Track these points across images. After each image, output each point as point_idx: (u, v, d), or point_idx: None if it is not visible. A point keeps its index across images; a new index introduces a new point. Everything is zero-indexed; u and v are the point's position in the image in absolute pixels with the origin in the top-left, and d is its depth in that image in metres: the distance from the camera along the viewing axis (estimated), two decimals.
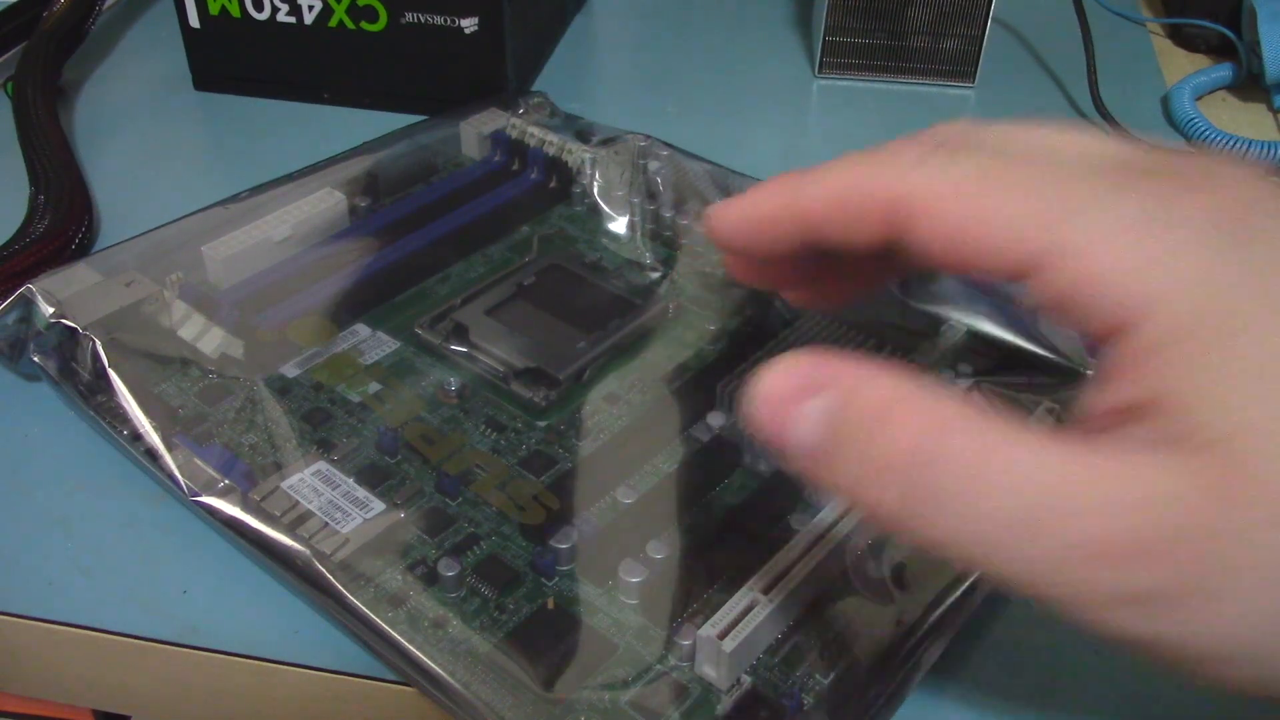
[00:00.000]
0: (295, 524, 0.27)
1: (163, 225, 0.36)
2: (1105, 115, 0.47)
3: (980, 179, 0.19)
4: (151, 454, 0.28)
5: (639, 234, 0.38)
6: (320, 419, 0.30)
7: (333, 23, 0.45)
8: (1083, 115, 0.49)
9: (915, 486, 0.17)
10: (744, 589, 0.24)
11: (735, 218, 0.23)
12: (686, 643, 0.24)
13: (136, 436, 0.29)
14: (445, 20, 0.44)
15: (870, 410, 0.18)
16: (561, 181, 0.40)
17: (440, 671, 0.24)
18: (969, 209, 0.19)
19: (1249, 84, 0.51)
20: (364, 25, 0.45)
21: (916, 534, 0.18)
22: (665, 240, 0.38)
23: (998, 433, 0.17)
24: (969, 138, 0.20)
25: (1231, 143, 0.46)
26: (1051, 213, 0.18)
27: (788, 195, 0.22)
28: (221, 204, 0.37)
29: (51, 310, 0.31)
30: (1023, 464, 0.17)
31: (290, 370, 0.31)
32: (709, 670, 0.24)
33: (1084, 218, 0.18)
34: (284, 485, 0.28)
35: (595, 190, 0.39)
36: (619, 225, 0.38)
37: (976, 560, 0.17)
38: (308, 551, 0.26)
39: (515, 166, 0.41)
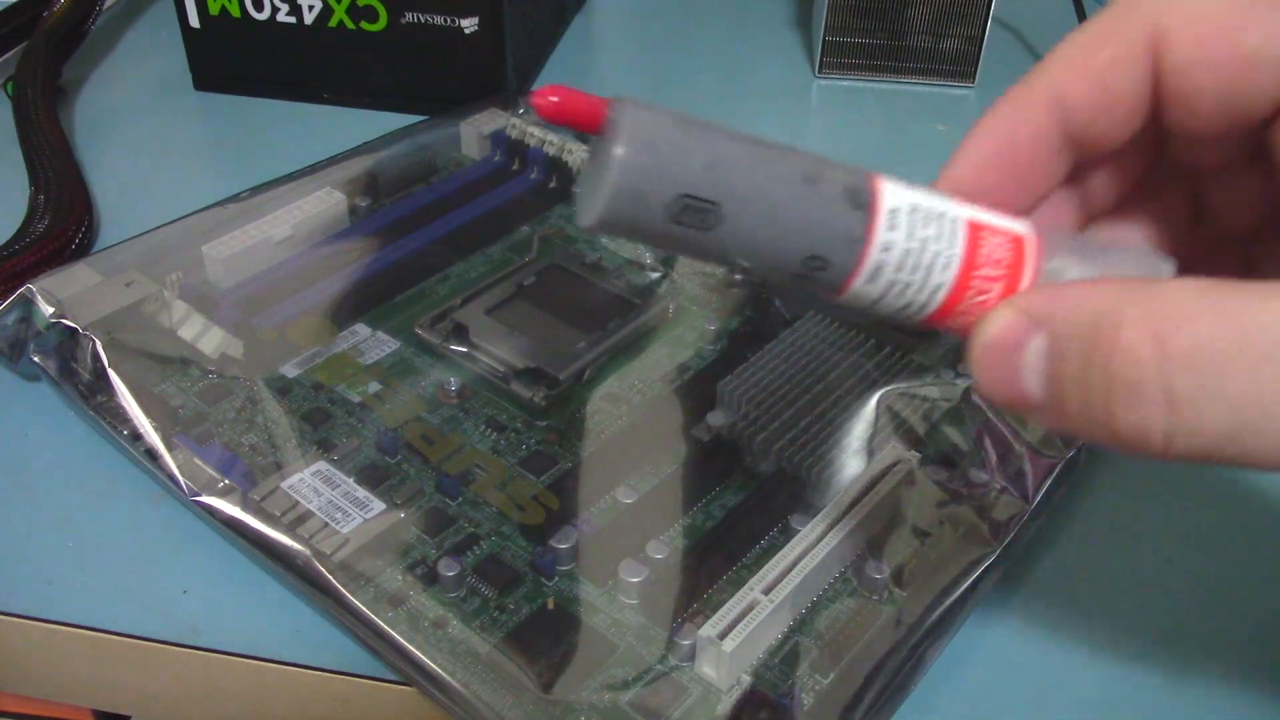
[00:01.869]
0: (295, 524, 0.27)
1: (163, 225, 0.36)
2: None
3: (1231, 3, 0.18)
4: (151, 454, 0.28)
5: None
6: (320, 419, 0.30)
7: (333, 23, 0.45)
8: None
9: (1176, 392, 0.16)
10: (744, 589, 0.24)
11: (964, 174, 0.20)
12: (686, 643, 0.24)
13: (136, 436, 0.29)
14: (445, 20, 0.44)
15: (1089, 331, 0.17)
16: (561, 181, 0.40)
17: (440, 671, 0.24)
18: (1233, 23, 0.18)
19: None
20: (364, 25, 0.45)
21: (1198, 445, 0.16)
22: None
23: (1237, 296, 0.16)
24: None
25: None
26: None
27: (1018, 102, 0.20)
28: (221, 204, 0.37)
29: (51, 310, 0.31)
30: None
31: (290, 370, 0.31)
32: (709, 670, 0.24)
33: None
34: (284, 485, 0.28)
35: None
36: None
37: None
38: (308, 551, 0.26)
39: (515, 166, 0.41)
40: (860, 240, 0.18)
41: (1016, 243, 0.19)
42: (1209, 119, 0.19)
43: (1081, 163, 0.21)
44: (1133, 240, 0.23)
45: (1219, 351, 0.15)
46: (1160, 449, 0.16)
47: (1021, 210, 0.21)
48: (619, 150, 0.16)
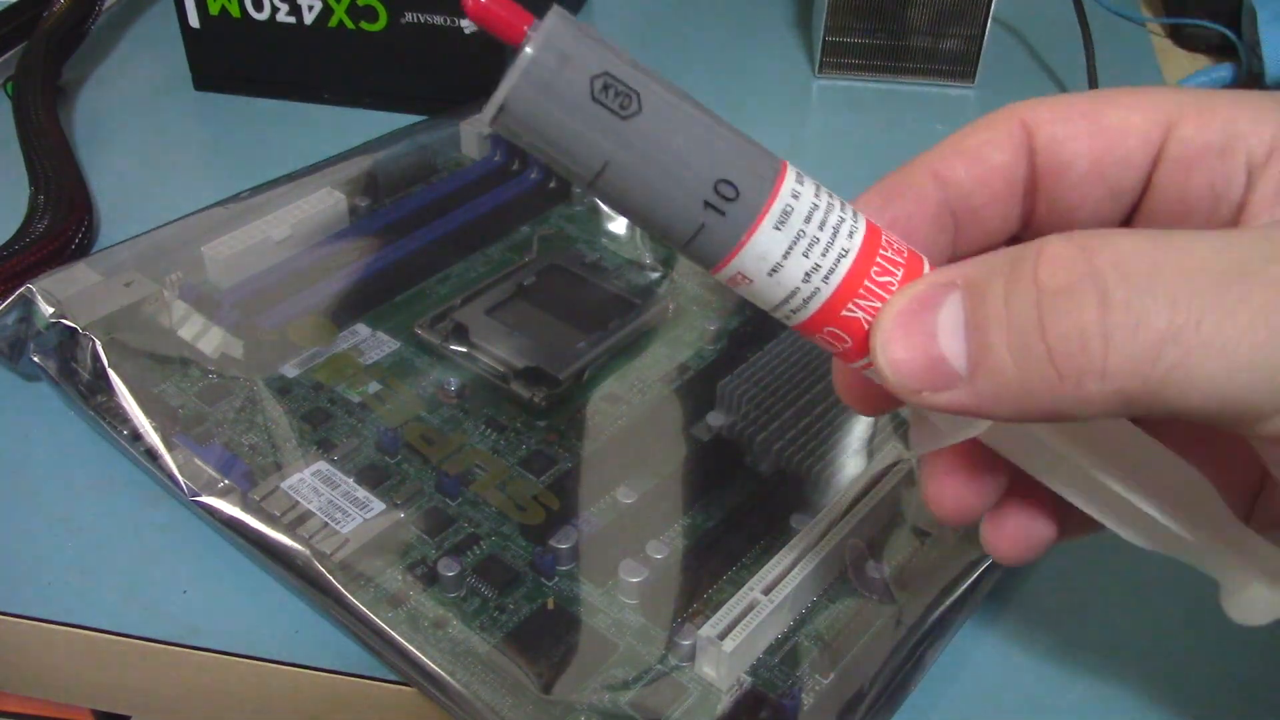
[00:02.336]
0: (295, 524, 0.27)
1: (163, 225, 0.36)
2: None
3: (1089, 95, 0.20)
4: (151, 454, 0.28)
5: (639, 234, 0.38)
6: (320, 419, 0.30)
7: (333, 23, 0.45)
8: None
9: (1110, 293, 0.15)
10: (744, 589, 0.24)
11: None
12: (686, 643, 0.24)
13: (136, 436, 0.29)
14: (445, 20, 0.44)
15: (1008, 267, 0.16)
16: (561, 181, 0.40)
17: (440, 672, 0.24)
18: (1095, 106, 0.20)
19: (1249, 84, 0.51)
20: (364, 25, 0.45)
21: (1140, 350, 0.15)
22: None
23: (1158, 230, 0.16)
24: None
25: None
26: (1161, 95, 0.20)
27: (905, 173, 0.21)
28: (221, 204, 0.37)
29: (51, 310, 0.31)
30: (1210, 235, 0.16)
31: (290, 370, 0.31)
32: (709, 670, 0.24)
33: (1193, 95, 0.19)
34: (284, 485, 0.28)
35: None
36: (619, 225, 0.38)
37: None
38: (308, 551, 0.26)
39: (515, 166, 0.41)
40: (771, 178, 0.17)
41: (914, 260, 0.18)
42: (1083, 189, 0.20)
43: (965, 244, 0.22)
44: None
45: (1149, 261, 0.15)
46: (1099, 363, 0.15)
47: None
48: (534, 39, 0.16)
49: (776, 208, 0.17)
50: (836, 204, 0.18)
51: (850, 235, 0.18)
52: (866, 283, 0.18)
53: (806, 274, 0.17)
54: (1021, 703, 0.25)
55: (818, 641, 0.25)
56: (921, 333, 0.17)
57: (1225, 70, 0.51)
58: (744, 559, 0.27)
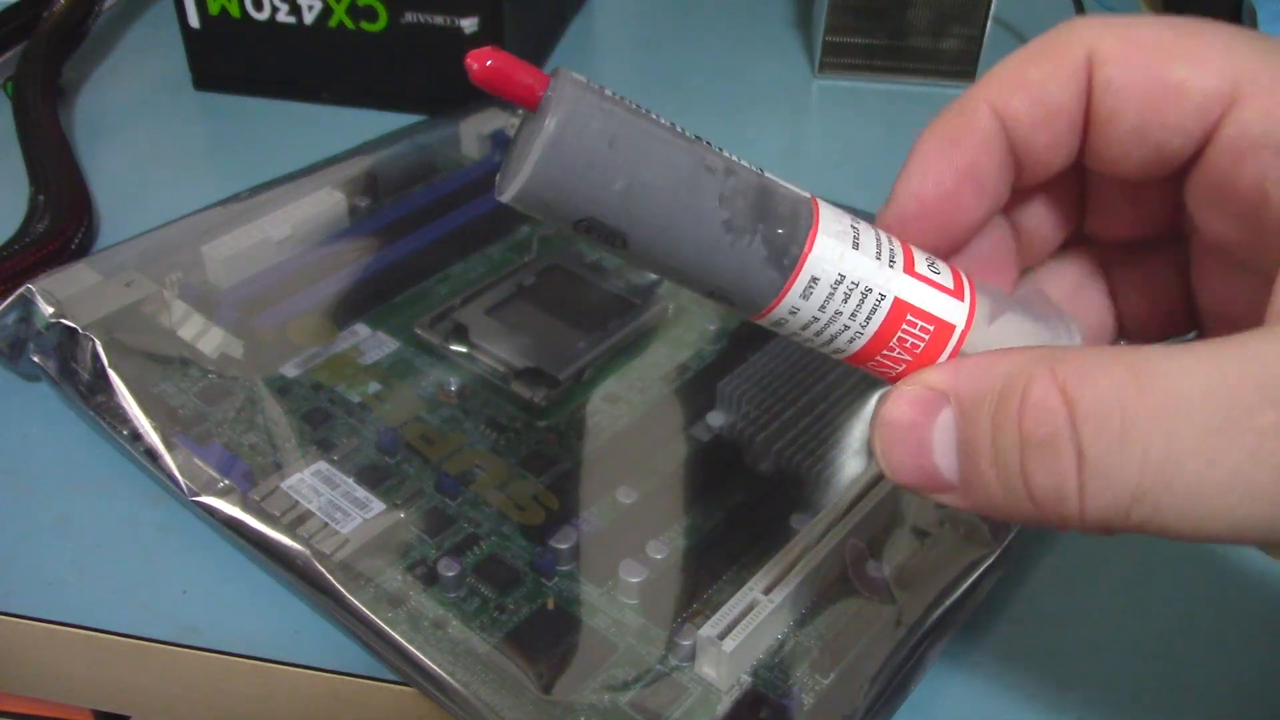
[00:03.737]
0: (295, 524, 0.27)
1: (163, 225, 0.36)
2: None
3: (1168, 22, 0.18)
4: (151, 454, 0.28)
5: None
6: (320, 419, 0.30)
7: (333, 23, 0.45)
8: None
9: (1085, 449, 0.15)
10: (744, 589, 0.24)
11: (921, 183, 0.20)
12: (686, 643, 0.24)
13: (136, 436, 0.29)
14: (445, 20, 0.44)
15: (997, 396, 0.16)
16: None
17: (440, 672, 0.24)
18: (1164, 34, 0.18)
19: None
20: (364, 25, 0.45)
21: (1111, 503, 0.16)
22: None
23: (1142, 355, 0.16)
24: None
25: None
26: (1236, 53, 0.18)
27: (963, 110, 0.20)
28: (221, 204, 0.37)
29: (51, 310, 0.31)
30: (1199, 367, 0.15)
31: (290, 370, 0.31)
32: (709, 670, 0.24)
33: (1270, 63, 0.17)
34: (284, 485, 0.28)
35: None
36: None
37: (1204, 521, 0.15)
38: (308, 551, 0.26)
39: None
40: (768, 298, 0.17)
41: (942, 329, 0.18)
42: (1127, 147, 0.19)
43: (1021, 193, 0.21)
44: (1064, 288, 0.23)
45: (1126, 408, 0.15)
46: (1076, 510, 0.16)
47: (962, 237, 0.21)
48: (553, 109, 0.16)
49: (770, 319, 0.18)
50: (848, 309, 0.18)
51: (851, 341, 0.18)
52: (868, 365, 0.18)
53: (806, 343, 0.18)
54: (1021, 703, 0.25)
55: (818, 641, 0.25)
56: (917, 448, 0.17)
57: None
58: (744, 559, 0.27)
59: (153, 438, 0.28)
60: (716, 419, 0.30)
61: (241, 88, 0.48)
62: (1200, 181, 0.19)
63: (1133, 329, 0.23)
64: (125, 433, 0.29)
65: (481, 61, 0.16)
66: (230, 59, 0.47)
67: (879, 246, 0.18)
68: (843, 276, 0.17)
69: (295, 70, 0.47)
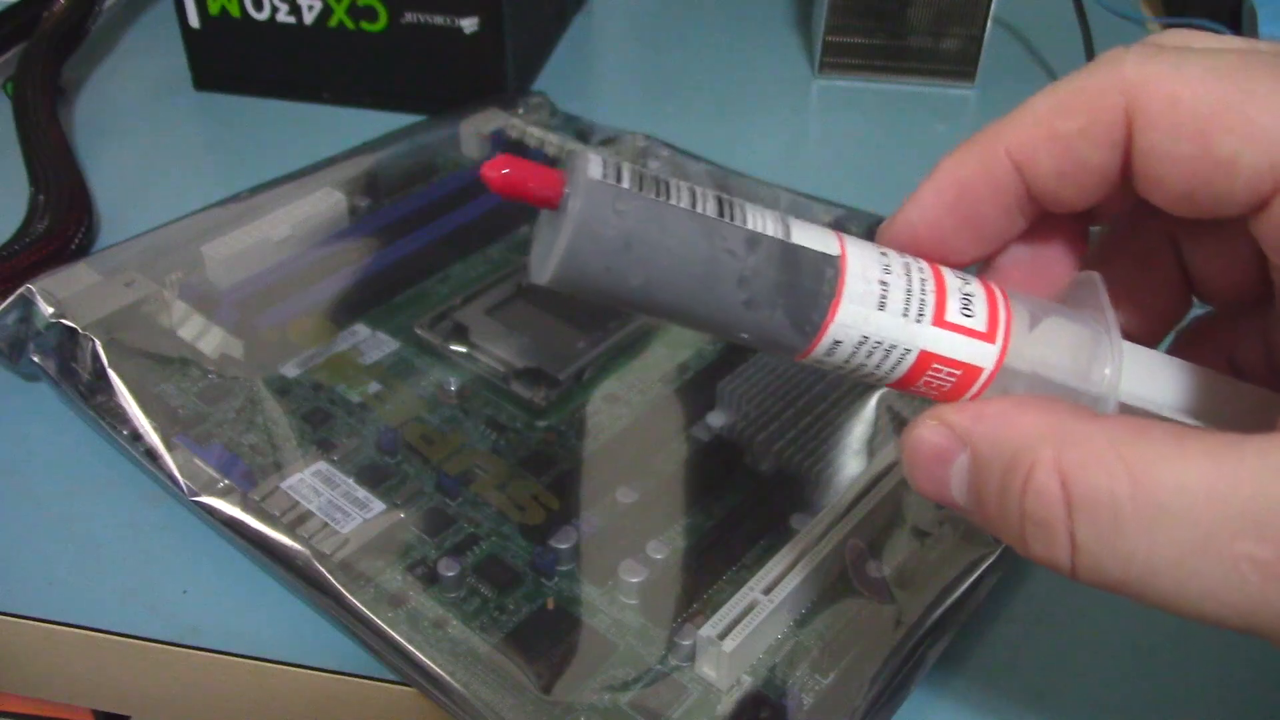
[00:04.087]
0: (295, 524, 0.27)
1: (163, 225, 0.36)
2: None
3: (1218, 70, 0.17)
4: (151, 454, 0.28)
5: None
6: (320, 419, 0.30)
7: (333, 23, 0.45)
8: None
9: (1078, 540, 0.16)
10: (744, 589, 0.24)
11: (921, 218, 0.19)
12: (686, 643, 0.24)
13: (136, 436, 0.29)
14: (445, 20, 0.44)
15: (1007, 463, 0.17)
16: None
17: (440, 672, 0.24)
18: (1214, 95, 0.17)
19: None
20: (364, 25, 0.45)
21: (1103, 583, 0.16)
22: None
23: (1147, 446, 0.16)
24: (1183, 41, 0.18)
25: None
26: None
27: (980, 155, 0.19)
28: (221, 204, 0.37)
29: (51, 310, 0.31)
30: (1194, 476, 0.15)
31: (290, 370, 0.31)
32: (709, 670, 0.24)
33: None
34: (284, 485, 0.28)
35: None
36: None
37: (1167, 596, 0.16)
38: (308, 551, 0.26)
39: None
40: (793, 354, 0.18)
41: (969, 373, 0.18)
42: (1175, 207, 0.18)
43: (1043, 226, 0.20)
44: (1134, 253, 0.22)
45: (1119, 509, 0.16)
46: (1071, 578, 0.17)
47: (981, 253, 0.20)
48: (554, 262, 0.16)
49: (801, 363, 0.18)
50: (872, 362, 0.18)
51: (880, 380, 0.18)
52: (915, 386, 0.19)
53: (856, 377, 0.19)
54: (1021, 703, 0.25)
55: (818, 641, 0.25)
56: (936, 479, 0.18)
57: None
58: (744, 559, 0.27)
59: (153, 438, 0.28)
60: (716, 419, 0.30)
61: (241, 88, 0.48)
62: (1269, 224, 0.18)
63: (1206, 294, 0.22)
64: (125, 433, 0.29)
65: (497, 171, 0.16)
66: (230, 59, 0.47)
67: (908, 300, 0.18)
68: (866, 338, 0.18)
69: (295, 70, 0.47)
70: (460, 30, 0.44)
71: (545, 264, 0.16)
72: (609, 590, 0.26)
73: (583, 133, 0.42)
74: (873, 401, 0.30)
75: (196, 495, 0.27)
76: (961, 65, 0.50)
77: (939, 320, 0.18)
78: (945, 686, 0.25)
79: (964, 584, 0.26)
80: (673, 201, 0.16)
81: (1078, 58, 0.50)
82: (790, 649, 0.25)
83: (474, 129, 0.41)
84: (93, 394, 0.30)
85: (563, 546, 0.26)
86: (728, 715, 0.23)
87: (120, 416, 0.29)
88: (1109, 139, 0.18)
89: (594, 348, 0.32)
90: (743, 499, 0.28)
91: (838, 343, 0.18)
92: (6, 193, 0.40)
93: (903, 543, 0.27)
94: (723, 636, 0.23)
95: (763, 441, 0.29)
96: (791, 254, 0.17)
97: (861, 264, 0.18)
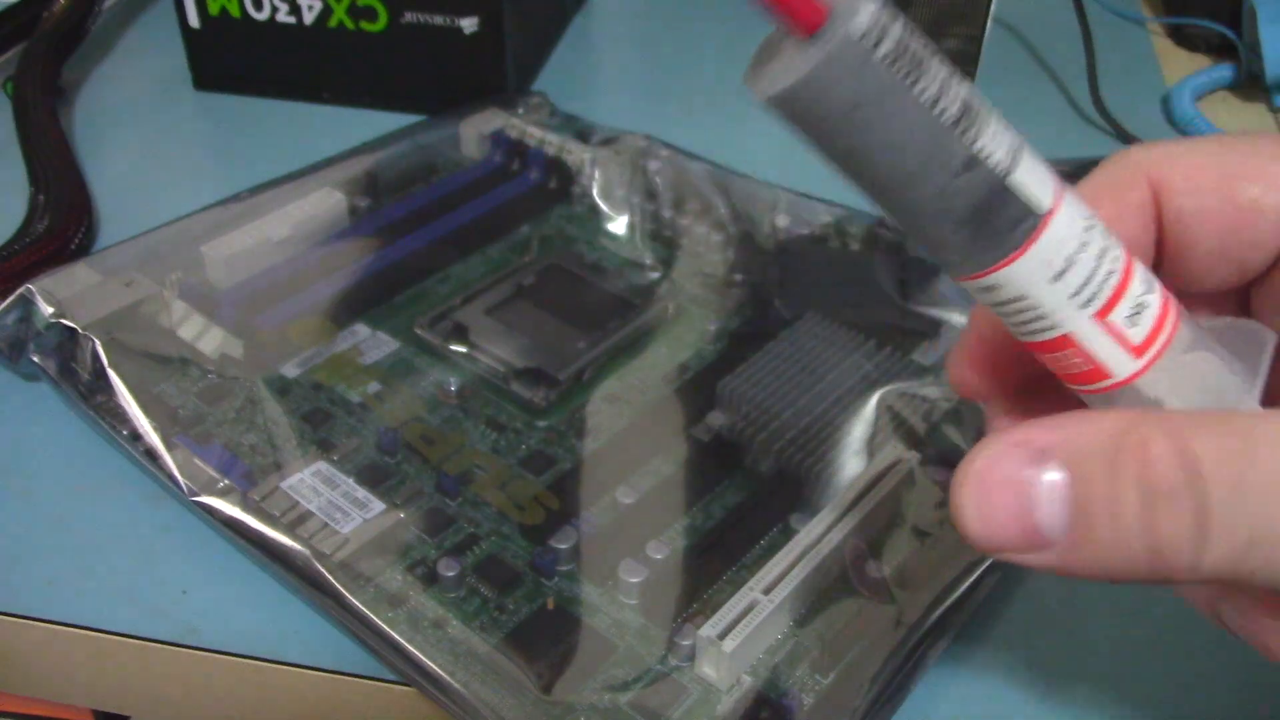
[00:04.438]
0: (295, 524, 0.27)
1: (163, 225, 0.36)
2: (1105, 115, 0.47)
3: (1226, 142, 0.18)
4: (151, 454, 0.28)
5: (638, 234, 0.38)
6: (320, 419, 0.30)
7: (333, 23, 0.45)
8: (1083, 115, 0.49)
9: (1204, 501, 0.16)
10: (744, 589, 0.24)
11: (979, 353, 0.21)
12: (686, 643, 0.24)
13: (136, 436, 0.29)
14: (445, 20, 0.44)
15: (1112, 452, 0.16)
16: (561, 181, 0.40)
17: (440, 672, 0.24)
18: (1228, 158, 0.18)
19: (1249, 84, 0.51)
20: (364, 25, 0.45)
21: (1225, 553, 0.16)
22: (665, 240, 0.38)
23: (1249, 417, 0.16)
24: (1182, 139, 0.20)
25: None
26: None
27: None
28: (221, 204, 0.37)
29: (51, 310, 0.31)
30: None
31: (290, 370, 0.31)
32: (709, 670, 0.24)
33: None
34: (284, 485, 0.28)
35: (595, 190, 0.39)
36: (619, 225, 0.38)
37: None
38: (307, 551, 0.26)
39: (515, 166, 0.41)
40: (952, 271, 0.18)
41: (1097, 372, 0.18)
42: (1209, 267, 0.19)
43: None
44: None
45: (1241, 466, 0.16)
46: (1194, 560, 0.16)
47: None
48: (780, 86, 0.16)
49: (974, 286, 0.18)
50: (1033, 310, 0.18)
51: (1036, 332, 0.18)
52: (1050, 358, 0.18)
53: (1003, 322, 0.18)
54: (1021, 703, 0.25)
55: (818, 641, 0.25)
56: (1021, 504, 0.17)
57: (1225, 70, 0.51)
58: (744, 559, 0.27)
59: (153, 438, 0.28)
60: (716, 419, 0.30)
61: (241, 88, 0.48)
62: (1269, 289, 0.19)
63: None
64: (125, 433, 0.29)
65: None
66: (230, 59, 0.47)
67: (1084, 285, 0.17)
68: (1024, 296, 0.17)
69: (295, 70, 0.47)
70: (460, 30, 0.44)
71: (770, 83, 0.16)
72: (609, 590, 0.26)
73: (583, 133, 0.42)
74: (873, 401, 0.30)
75: (196, 495, 0.27)
76: (961, 65, 0.50)
77: (1101, 315, 0.18)
78: (945, 686, 0.25)
79: (964, 584, 0.26)
80: (916, 90, 0.16)
81: (1078, 58, 0.50)
82: (790, 649, 0.25)
83: (474, 129, 0.41)
84: (92, 394, 0.30)
85: (563, 546, 0.26)
86: (728, 715, 0.23)
87: (120, 416, 0.29)
88: (1142, 216, 0.19)
89: (594, 348, 0.32)
90: (743, 499, 0.28)
91: (996, 287, 0.17)
92: (6, 193, 0.40)
93: (903, 543, 0.27)
94: (723, 636, 0.23)
95: (763, 441, 0.29)
96: (999, 195, 0.17)
97: (1060, 233, 0.17)
